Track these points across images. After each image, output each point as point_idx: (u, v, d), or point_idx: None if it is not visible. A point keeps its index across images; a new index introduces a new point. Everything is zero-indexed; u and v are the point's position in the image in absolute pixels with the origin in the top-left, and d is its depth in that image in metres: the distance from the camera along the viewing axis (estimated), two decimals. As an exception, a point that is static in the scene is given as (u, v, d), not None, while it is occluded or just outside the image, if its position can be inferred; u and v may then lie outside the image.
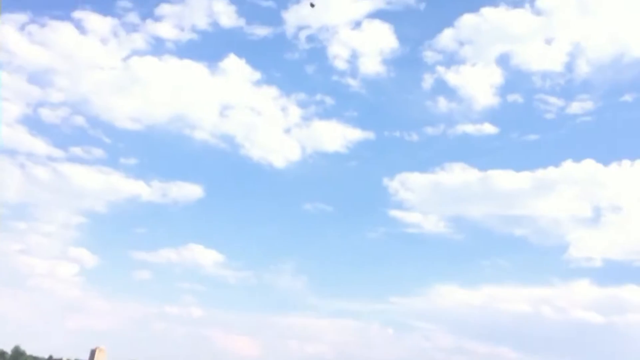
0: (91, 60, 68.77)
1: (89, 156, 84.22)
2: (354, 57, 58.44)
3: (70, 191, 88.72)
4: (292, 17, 57.04)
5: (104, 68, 69.52)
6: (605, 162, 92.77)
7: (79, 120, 69.67)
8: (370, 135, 67.60)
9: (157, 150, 72.57)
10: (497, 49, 58.99)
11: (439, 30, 56.70)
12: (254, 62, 59.99)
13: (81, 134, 73.74)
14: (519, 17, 59.21)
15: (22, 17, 77.74)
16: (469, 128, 63.34)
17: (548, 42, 58.10)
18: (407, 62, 59.96)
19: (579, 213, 65.64)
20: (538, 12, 57.40)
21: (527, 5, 55.56)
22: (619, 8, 56.54)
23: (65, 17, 61.76)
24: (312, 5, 53.39)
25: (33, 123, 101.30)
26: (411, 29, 58.68)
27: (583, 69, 54.62)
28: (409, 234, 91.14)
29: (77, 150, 73.65)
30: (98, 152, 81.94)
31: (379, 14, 60.38)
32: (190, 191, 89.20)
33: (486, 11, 57.44)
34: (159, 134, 69.87)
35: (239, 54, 57.83)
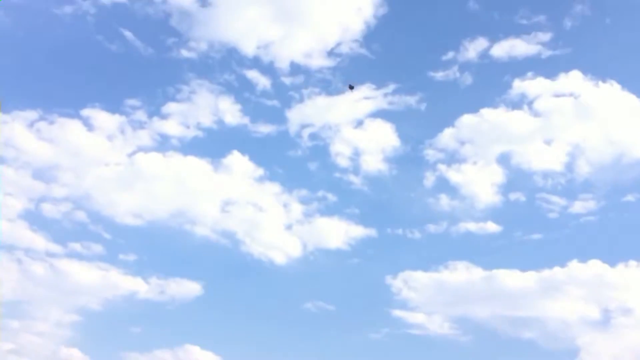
0: (96, 156, 69.61)
1: (87, 252, 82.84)
2: (356, 154, 59.43)
3: (66, 288, 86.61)
4: (296, 115, 58.77)
5: (108, 164, 70.04)
6: (612, 262, 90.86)
7: (80, 215, 69.32)
8: (372, 232, 67.04)
9: (157, 246, 71.55)
10: (498, 148, 60.08)
11: (440, 129, 58.42)
12: (257, 159, 61.07)
13: (81, 229, 73.15)
14: (517, 118, 60.81)
15: (32, 114, 79.68)
16: (472, 226, 62.96)
17: (547, 142, 59.44)
18: (408, 160, 60.83)
19: (588, 315, 63.90)
20: (536, 114, 59.21)
21: (526, 107, 57.65)
22: (615, 111, 58.14)
23: (74, 114, 63.25)
24: (351, 87, 55.29)
25: (34, 218, 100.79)
26: (412, 128, 60.29)
27: (584, 169, 55.46)
28: (413, 335, 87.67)
29: (76, 246, 72.67)
30: (97, 248, 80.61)
31: (380, 114, 62.30)
32: (188, 288, 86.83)
33: (485, 112, 59.19)
34: (159, 230, 69.16)
35: (243, 151, 58.94)
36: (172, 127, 61.22)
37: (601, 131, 58.64)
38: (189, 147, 60.50)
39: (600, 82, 59.60)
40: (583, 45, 62.80)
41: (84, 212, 56.32)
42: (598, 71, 59.65)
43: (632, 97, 58.20)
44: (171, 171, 59.53)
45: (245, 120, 62.92)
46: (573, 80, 60.63)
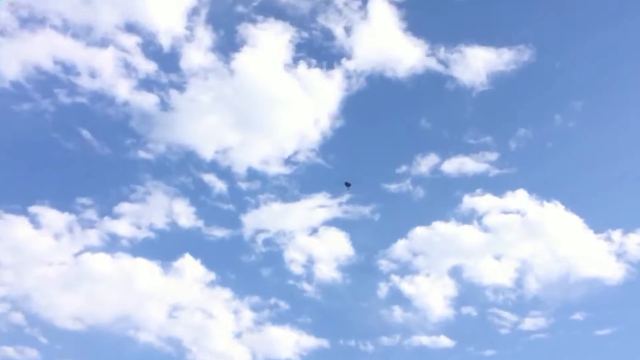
0: (40, 255, 66.53)
1: (21, 357, 76.42)
2: (310, 262, 58.98)
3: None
4: (251, 220, 58.53)
5: (52, 263, 66.76)
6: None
7: (17, 317, 64.75)
8: (324, 343, 64.86)
9: (96, 352, 66.66)
10: (450, 261, 60.89)
11: (394, 240, 59.32)
12: (209, 263, 59.49)
13: (17, 332, 67.96)
14: (468, 233, 62.56)
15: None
16: (425, 340, 61.75)
17: (497, 257, 60.72)
18: (362, 270, 60.71)
19: None
20: (486, 229, 61.06)
21: (475, 222, 59.46)
22: (560, 229, 60.69)
23: (21, 211, 61.01)
24: (347, 185, 55.72)
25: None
26: (366, 237, 60.93)
27: (532, 285, 56.36)
28: None
29: (9, 351, 66.96)
30: (32, 353, 74.56)
31: (335, 222, 63.04)
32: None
33: (438, 225, 60.53)
34: (100, 335, 64.69)
35: (195, 255, 57.46)
36: (123, 228, 59.98)
37: (548, 249, 60.57)
38: (139, 249, 59.08)
39: (544, 202, 62.36)
40: (527, 166, 66.32)
41: (22, 313, 53.09)
42: (542, 191, 62.64)
43: (575, 217, 60.71)
44: (118, 273, 57.58)
45: (200, 223, 62.41)
46: (519, 198, 63.25)
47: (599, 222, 59.81)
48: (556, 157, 66.13)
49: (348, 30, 70.39)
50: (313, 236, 63.08)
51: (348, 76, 69.32)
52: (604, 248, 59.43)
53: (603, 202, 62.75)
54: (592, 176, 64.35)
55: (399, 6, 70.66)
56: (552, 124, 67.12)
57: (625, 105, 67.46)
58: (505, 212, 62.93)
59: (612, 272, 58.33)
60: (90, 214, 59.89)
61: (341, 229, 63.34)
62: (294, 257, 61.54)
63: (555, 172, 65.61)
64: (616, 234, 59.52)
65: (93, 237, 58.55)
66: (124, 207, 61.24)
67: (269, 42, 68.59)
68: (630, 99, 67.25)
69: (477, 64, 68.18)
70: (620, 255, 59.12)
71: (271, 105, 67.63)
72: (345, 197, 64.85)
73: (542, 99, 69.64)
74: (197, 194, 63.54)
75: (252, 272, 61.03)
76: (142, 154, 63.90)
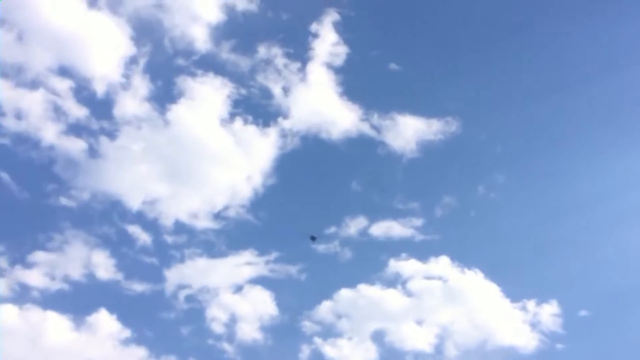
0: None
1: None
2: (232, 321, 57.32)
3: None
4: (174, 275, 56.59)
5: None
6: None
7: None
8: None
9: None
10: (373, 325, 61.12)
11: (318, 301, 59.06)
12: (126, 319, 56.43)
13: None
14: (392, 297, 63.23)
15: None
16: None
17: (419, 323, 61.46)
18: (285, 331, 59.70)
19: None
20: (409, 294, 62.03)
21: (400, 287, 60.24)
22: (479, 297, 62.65)
23: None
24: (313, 238, 54.85)
25: None
26: (291, 298, 60.35)
27: (451, 351, 57.30)
28: None
29: None
30: None
31: (260, 281, 62.08)
32: None
33: (363, 288, 60.97)
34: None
35: (111, 310, 54.37)
36: (35, 278, 57.04)
37: (467, 316, 62.04)
38: (51, 301, 56.16)
39: (465, 269, 64.24)
40: (451, 233, 68.40)
41: None
42: (463, 258, 64.57)
43: (493, 286, 62.70)
44: (26, 326, 54.29)
45: (119, 276, 60.28)
46: (442, 264, 64.96)
47: (515, 292, 62.02)
48: (478, 227, 68.66)
49: (286, 90, 71.87)
50: (237, 294, 62.17)
51: (283, 135, 70.31)
52: (520, 317, 61.53)
53: (519, 273, 65.17)
54: (510, 247, 66.97)
55: (337, 71, 73.01)
56: (475, 194, 69.97)
57: (544, 180, 71.26)
58: (428, 278, 64.33)
59: (527, 341, 60.29)
60: (1, 262, 56.72)
61: (266, 288, 62.80)
62: (216, 315, 60.24)
63: (477, 240, 67.96)
64: (531, 304, 61.85)
65: (1, 286, 55.27)
66: (38, 255, 58.49)
67: (207, 96, 69.01)
68: (549, 175, 71.08)
69: (408, 131, 70.86)
70: (534, 325, 61.31)
71: (204, 158, 67.38)
72: (273, 255, 64.62)
73: (467, 169, 72.75)
74: (119, 246, 61.58)
75: (171, 330, 59.09)
76: (63, 201, 61.70)
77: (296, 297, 64.12)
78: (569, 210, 68.13)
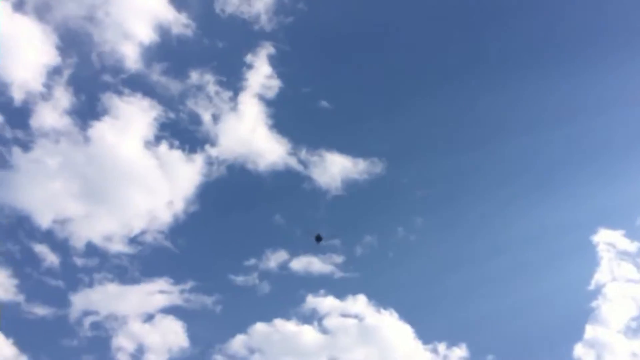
0: None
1: None
2: (139, 351, 54.63)
3: None
4: (81, 300, 53.13)
5: None
6: None
7: None
8: None
9: None
10: (286, 360, 60.70)
11: (232, 334, 57.38)
12: (23, 344, 51.98)
13: None
14: (307, 333, 62.93)
15: None
16: None
17: (332, 360, 61.94)
18: (195, 364, 57.52)
19: None
20: (324, 331, 61.86)
21: (315, 323, 59.96)
22: (392, 337, 63.39)
23: None
24: (318, 239, 52.54)
25: None
26: (204, 329, 58.30)
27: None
28: None
29: None
30: None
31: (173, 310, 59.59)
32: None
33: (279, 322, 60.24)
34: None
35: (7, 333, 50.15)
36: None
37: (380, 355, 62.41)
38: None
39: (381, 309, 64.91)
40: (369, 272, 69.20)
41: None
42: (380, 298, 65.30)
43: (406, 327, 63.68)
44: None
45: (20, 298, 56.18)
46: (359, 303, 65.38)
47: (427, 334, 63.25)
48: (396, 267, 69.91)
49: (216, 118, 71.18)
50: (147, 323, 59.50)
51: (209, 162, 69.23)
52: (430, 359, 62.47)
53: (433, 315, 66.67)
54: (425, 289, 68.58)
55: (268, 104, 73.32)
56: (395, 235, 71.38)
57: (460, 226, 73.90)
58: (345, 316, 64.44)
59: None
60: None
61: (179, 318, 60.56)
62: (122, 345, 57.21)
63: (394, 281, 69.07)
64: (441, 347, 63.18)
65: None
66: None
67: (133, 116, 67.10)
68: (465, 222, 73.83)
69: (334, 169, 71.78)
70: (444, 368, 62.44)
71: (124, 180, 65.01)
72: (189, 284, 62.63)
73: (389, 210, 74.29)
74: (23, 265, 57.64)
75: (72, 359, 55.38)
76: (-36, 212, 57.19)
77: (210, 329, 62.27)
78: (481, 257, 70.82)
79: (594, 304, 63.86)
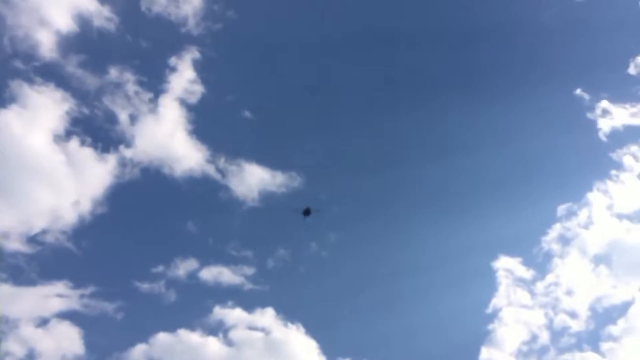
0: None
1: None
2: (29, 357, 51.36)
3: None
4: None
5: None
6: None
7: None
8: None
9: None
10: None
11: (132, 344, 54.92)
12: None
13: None
14: (211, 345, 61.70)
15: None
16: None
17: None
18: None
19: None
20: (229, 343, 60.75)
21: (221, 335, 58.67)
22: (299, 353, 63.71)
23: None
24: (306, 213, 49.38)
25: None
26: (103, 337, 55.50)
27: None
28: None
29: None
30: None
31: (70, 315, 56.38)
32: None
33: (183, 333, 58.58)
34: None
35: None
36: None
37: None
38: None
39: (289, 323, 64.90)
40: (279, 286, 69.07)
41: None
42: (288, 312, 65.29)
43: (312, 342, 64.03)
44: None
45: None
46: (267, 316, 65.07)
47: (331, 350, 63.83)
48: (306, 282, 70.26)
49: (133, 118, 69.00)
50: (41, 328, 56.12)
51: (123, 164, 66.87)
52: (333, 375, 63.00)
53: (338, 331, 67.35)
54: (333, 305, 69.30)
55: (189, 109, 72.04)
56: (308, 250, 71.82)
57: (371, 245, 75.45)
58: (251, 329, 63.93)
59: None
60: None
61: (76, 324, 57.62)
62: (11, 350, 53.55)
63: (303, 296, 69.35)
64: (345, 363, 63.82)
65: None
66: None
67: (43, 107, 63.62)
68: (376, 241, 75.48)
69: (252, 180, 71.40)
70: (345, 383, 63.20)
71: (28, 174, 61.35)
72: (90, 289, 59.85)
73: (304, 225, 74.48)
74: None
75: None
76: None
77: (108, 337, 59.64)
78: (388, 277, 72.58)
79: (490, 327, 67.01)
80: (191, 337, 60.95)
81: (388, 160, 79.91)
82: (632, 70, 73.00)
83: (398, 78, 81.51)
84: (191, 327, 61.67)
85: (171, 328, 60.46)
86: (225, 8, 75.01)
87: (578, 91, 74.23)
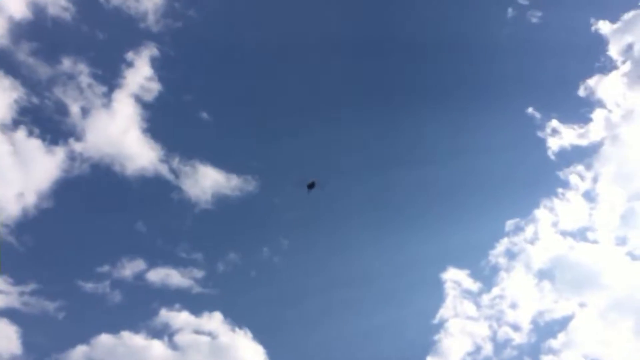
0: None
1: None
2: (-40, 356, 49.09)
3: None
4: None
5: None
6: None
7: None
8: None
9: None
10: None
11: (72, 345, 53.05)
12: None
13: None
14: (156, 348, 60.27)
15: None
16: None
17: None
18: (26, 375, 52.54)
19: None
20: (174, 347, 59.41)
21: (166, 338, 56.98)
22: (246, 359, 63.21)
23: None
24: (311, 186, 47.35)
25: None
26: (42, 337, 53.44)
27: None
28: None
29: None
30: None
31: (8, 313, 54.21)
32: None
33: (126, 335, 56.94)
34: None
35: None
36: None
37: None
38: None
39: (236, 328, 64.20)
40: (229, 290, 68.25)
41: None
42: (236, 317, 64.54)
43: (259, 348, 63.54)
44: None
45: None
46: (214, 321, 64.11)
47: (279, 356, 63.50)
48: (256, 287, 69.60)
49: (85, 111, 67.17)
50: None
51: (72, 157, 64.92)
52: (279, 382, 62.55)
53: (286, 338, 67.08)
54: (282, 311, 68.89)
55: (145, 106, 70.68)
56: (259, 255, 71.25)
57: (323, 252, 75.55)
58: (198, 333, 62.90)
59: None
60: None
61: (14, 322, 55.36)
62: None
63: (252, 301, 68.63)
64: (292, 370, 63.42)
65: None
66: None
67: (-10, 95, 61.04)
68: (328, 249, 75.59)
69: (206, 182, 70.42)
70: (291, 392, 62.77)
71: (-31, 163, 58.66)
72: (31, 286, 57.62)
73: (257, 229, 74.13)
74: None
75: None
76: None
77: (48, 337, 57.53)
78: (339, 284, 72.71)
79: (436, 337, 67.91)
80: (135, 340, 59.50)
81: (342, 168, 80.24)
82: (581, 92, 75.62)
83: (356, 86, 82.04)
84: (135, 329, 60.23)
85: (114, 330, 58.89)
86: (186, 7, 74.08)
87: (530, 110, 76.27)
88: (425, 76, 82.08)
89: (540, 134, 75.81)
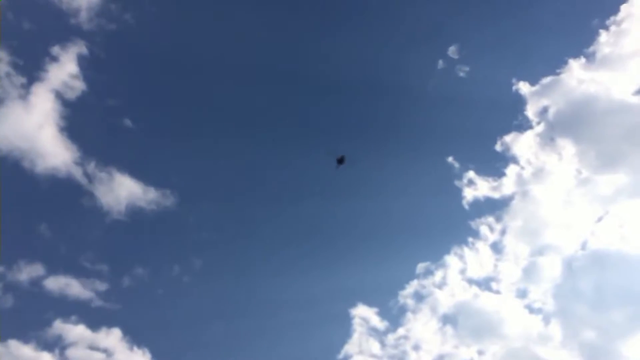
0: None
1: None
2: None
3: None
4: None
5: None
6: None
7: None
8: None
9: None
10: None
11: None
12: None
13: None
14: (45, 359, 56.04)
15: None
16: None
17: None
18: None
19: None
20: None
21: (57, 352, 52.57)
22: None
23: None
24: (340, 161, 50.49)
25: None
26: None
27: None
28: None
29: None
30: None
31: None
32: None
33: (13, 344, 51.98)
34: None
35: None
36: None
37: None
38: None
39: (135, 347, 61.11)
40: (132, 306, 65.01)
41: None
42: (136, 335, 61.47)
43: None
44: None
45: None
46: (112, 337, 60.90)
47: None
48: (162, 306, 66.84)
49: (-1, 101, 62.82)
50: None
51: (-24, 148, 60.11)
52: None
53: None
54: (186, 333, 66.52)
55: (65, 104, 67.32)
56: (169, 273, 68.68)
57: (235, 275, 73.87)
58: (93, 348, 59.39)
59: None
60: None
61: None
62: None
63: (156, 320, 65.74)
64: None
65: None
66: None
67: None
68: (240, 272, 73.99)
69: (122, 192, 67.56)
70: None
71: None
72: None
73: (169, 246, 71.59)
74: None
75: None
76: None
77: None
78: (248, 311, 71.29)
79: (338, 373, 67.64)
80: (22, 350, 55.07)
81: (263, 195, 79.56)
82: (498, 147, 79.77)
83: (274, 114, 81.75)
84: (25, 338, 55.82)
85: (1, 337, 54.15)
86: (122, 10, 71.96)
87: (450, 159, 79.35)
88: (353, 117, 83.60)
89: (457, 183, 78.96)
